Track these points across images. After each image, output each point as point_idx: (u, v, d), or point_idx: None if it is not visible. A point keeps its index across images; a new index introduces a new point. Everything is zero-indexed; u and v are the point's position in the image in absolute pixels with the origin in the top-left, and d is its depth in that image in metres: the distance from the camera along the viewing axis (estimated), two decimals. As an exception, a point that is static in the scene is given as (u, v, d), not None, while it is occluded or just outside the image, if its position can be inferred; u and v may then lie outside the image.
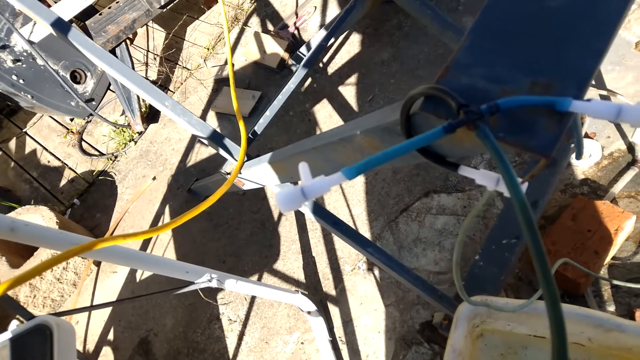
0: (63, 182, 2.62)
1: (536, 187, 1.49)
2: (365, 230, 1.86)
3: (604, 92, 1.79)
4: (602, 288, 1.50)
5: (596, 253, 1.44)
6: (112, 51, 2.49)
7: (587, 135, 1.73)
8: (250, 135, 1.49)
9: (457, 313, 1.15)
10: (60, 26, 1.31)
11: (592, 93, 1.83)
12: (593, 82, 1.89)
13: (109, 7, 2.48)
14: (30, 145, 2.87)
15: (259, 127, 1.52)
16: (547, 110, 0.40)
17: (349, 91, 2.31)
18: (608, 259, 1.49)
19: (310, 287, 1.81)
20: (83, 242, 0.91)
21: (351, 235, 1.32)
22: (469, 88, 0.43)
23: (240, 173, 1.25)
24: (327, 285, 1.79)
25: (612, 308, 1.45)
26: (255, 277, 1.90)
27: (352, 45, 2.47)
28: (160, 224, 2.26)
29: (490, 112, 0.39)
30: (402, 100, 0.46)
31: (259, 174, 1.16)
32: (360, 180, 1.99)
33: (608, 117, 0.39)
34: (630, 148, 1.67)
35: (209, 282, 1.26)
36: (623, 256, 1.54)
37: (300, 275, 1.85)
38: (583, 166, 1.70)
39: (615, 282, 1.41)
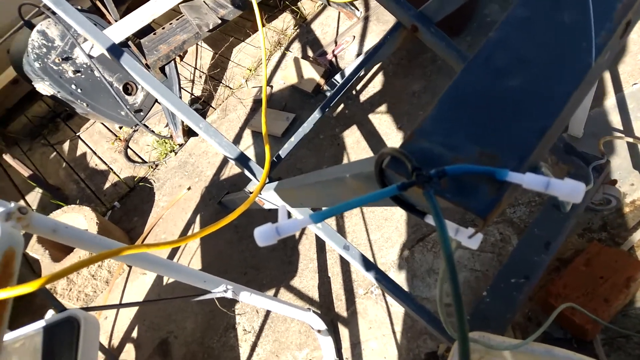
0: (107, 185, 2.82)
1: (549, 230, 1.51)
2: (381, 256, 1.92)
3: (631, 140, 1.79)
4: (612, 337, 1.49)
5: (606, 301, 1.43)
6: (162, 68, 2.69)
7: (609, 182, 1.72)
8: (274, 158, 1.60)
9: (454, 347, 1.19)
10: (113, 50, 1.47)
11: (619, 141, 1.83)
12: (621, 128, 1.89)
13: (163, 28, 2.69)
14: (81, 149, 3.11)
15: (284, 152, 1.63)
16: (489, 178, 0.47)
17: (378, 119, 2.39)
18: (619, 308, 1.48)
19: (324, 306, 1.88)
20: (114, 247, 1.03)
21: (360, 260, 1.38)
22: (427, 153, 0.50)
23: (261, 194, 1.35)
24: (340, 306, 1.85)
25: (620, 358, 1.44)
26: (272, 291, 1.99)
27: (386, 75, 2.55)
28: (190, 232, 2.40)
29: (438, 176, 0.47)
30: (376, 155, 0.54)
31: (276, 197, 1.26)
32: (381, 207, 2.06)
33: (539, 188, 0.45)
34: (654, 197, 1.66)
35: (225, 293, 1.36)
36: (638, 306, 1.52)
37: (314, 294, 1.92)
38: (603, 212, 1.70)
39: (623, 331, 1.40)
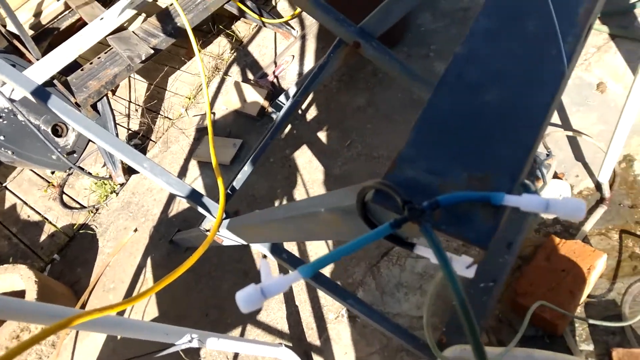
0: (43, 237, 2.59)
1: (509, 230, 1.53)
2: (347, 276, 1.87)
3: (570, 133, 1.87)
4: (580, 327, 1.52)
5: (571, 293, 1.47)
6: (94, 105, 2.52)
7: (556, 175, 1.79)
8: (228, 191, 1.52)
9: (438, 364, 1.16)
10: (37, 92, 1.34)
11: (558, 134, 1.91)
12: (559, 123, 1.98)
13: (91, 63, 2.53)
14: (10, 200, 2.85)
15: (238, 183, 1.55)
16: (483, 203, 0.43)
17: (327, 137, 2.37)
18: (583, 298, 1.52)
19: (295, 337, 1.80)
20: (59, 316, 0.91)
21: (331, 287, 1.33)
22: (413, 182, 0.46)
23: (219, 231, 1.26)
24: (311, 335, 1.78)
25: (590, 347, 1.47)
26: (238, 330, 1.88)
27: (329, 92, 2.55)
28: (142, 276, 2.24)
29: (431, 208, 0.42)
30: (358, 187, 0.49)
31: (236, 234, 1.18)
32: (341, 225, 2.02)
33: (538, 209, 0.42)
34: (598, 186, 1.74)
35: (190, 343, 1.25)
36: (598, 294, 1.57)
37: (284, 326, 1.84)
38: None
39: (591, 321, 1.44)
